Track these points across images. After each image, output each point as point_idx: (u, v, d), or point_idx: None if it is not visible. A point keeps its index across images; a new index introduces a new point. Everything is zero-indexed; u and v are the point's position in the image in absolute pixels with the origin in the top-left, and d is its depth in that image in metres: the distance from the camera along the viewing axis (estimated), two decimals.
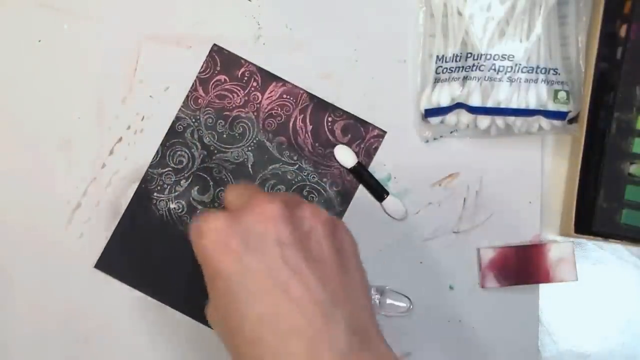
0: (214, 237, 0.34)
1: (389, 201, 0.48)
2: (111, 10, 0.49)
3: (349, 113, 0.49)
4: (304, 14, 0.49)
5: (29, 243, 0.48)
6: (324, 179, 0.48)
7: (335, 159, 0.48)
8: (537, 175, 0.48)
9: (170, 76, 0.49)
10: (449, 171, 0.49)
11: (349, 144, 0.48)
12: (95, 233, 0.48)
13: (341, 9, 0.49)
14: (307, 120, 0.48)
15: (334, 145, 0.48)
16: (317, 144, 0.48)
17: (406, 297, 0.47)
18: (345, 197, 0.48)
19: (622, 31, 0.46)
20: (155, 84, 0.49)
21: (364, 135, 0.48)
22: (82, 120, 0.49)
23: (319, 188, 0.48)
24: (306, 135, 0.48)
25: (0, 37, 0.49)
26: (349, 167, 0.48)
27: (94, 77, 0.49)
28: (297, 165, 0.48)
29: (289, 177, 0.48)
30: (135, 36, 0.49)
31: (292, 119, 0.49)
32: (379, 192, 0.48)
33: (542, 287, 0.48)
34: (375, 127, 0.48)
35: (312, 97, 0.49)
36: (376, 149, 0.48)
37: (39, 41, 0.49)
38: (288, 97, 0.49)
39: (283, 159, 0.48)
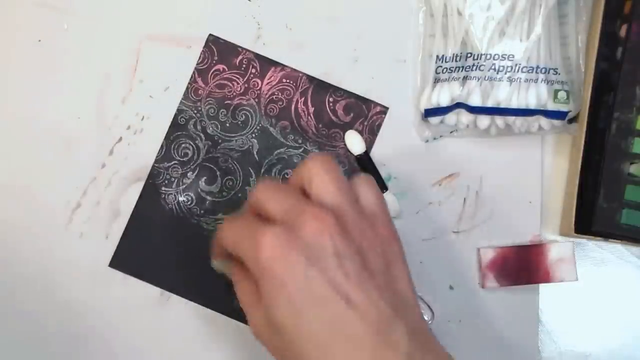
0: (275, 252, 0.35)
1: (385, 197, 0.48)
2: (111, 10, 0.49)
3: (350, 92, 0.49)
4: (304, 14, 0.49)
5: (29, 243, 0.48)
6: None
7: (344, 142, 0.48)
8: (537, 175, 0.48)
9: (170, 76, 0.49)
10: (449, 171, 0.49)
11: (352, 123, 0.48)
12: (95, 233, 0.48)
13: (341, 9, 0.49)
14: (309, 103, 0.48)
15: (337, 126, 0.49)
16: (320, 126, 0.49)
17: (431, 310, 0.47)
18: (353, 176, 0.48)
19: (622, 31, 0.46)
20: (155, 84, 0.49)
21: (367, 112, 0.49)
22: (82, 121, 0.49)
23: None
24: (309, 117, 0.48)
25: (0, 37, 0.49)
26: (356, 154, 0.48)
27: (94, 77, 0.49)
28: (303, 148, 0.48)
29: (295, 160, 0.48)
30: (135, 36, 0.49)
31: (294, 103, 0.49)
32: (379, 185, 0.48)
33: (542, 287, 0.48)
34: (377, 104, 0.49)
35: (311, 79, 0.49)
36: (379, 125, 0.49)
37: (39, 41, 0.49)
38: (288, 81, 0.49)
39: (288, 143, 0.48)
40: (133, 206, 0.48)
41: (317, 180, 0.37)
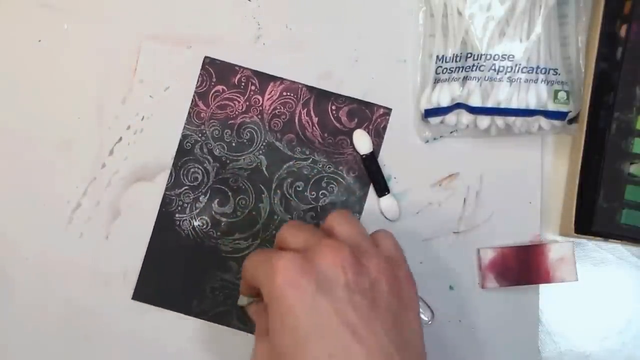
0: (288, 276, 0.35)
1: (386, 199, 0.48)
2: (111, 10, 0.49)
3: (351, 98, 0.49)
4: (304, 14, 0.49)
5: (28, 243, 0.48)
6: (340, 167, 0.48)
7: (351, 143, 0.48)
8: (537, 175, 0.48)
9: (170, 76, 0.49)
10: (449, 171, 0.49)
11: (357, 128, 0.48)
12: (95, 233, 0.48)
13: (341, 9, 0.49)
14: (312, 113, 0.48)
15: (343, 132, 0.49)
16: (326, 134, 0.49)
17: (431, 310, 0.47)
18: (364, 181, 0.48)
19: (622, 31, 0.46)
20: (155, 84, 0.49)
21: (370, 116, 0.49)
22: (82, 120, 0.49)
23: (336, 177, 0.48)
24: (313, 127, 0.48)
25: (0, 37, 0.49)
26: (362, 154, 0.48)
27: (94, 77, 0.49)
28: (311, 159, 0.48)
29: (304, 172, 0.48)
30: (135, 36, 0.49)
31: (297, 115, 0.49)
32: (382, 187, 0.48)
33: (542, 287, 0.48)
34: (380, 107, 0.49)
35: (311, 89, 0.49)
36: (385, 128, 0.49)
37: (39, 41, 0.49)
38: (288, 94, 0.49)
39: (295, 155, 0.48)
40: (133, 205, 0.48)
41: (338, 226, 0.39)
